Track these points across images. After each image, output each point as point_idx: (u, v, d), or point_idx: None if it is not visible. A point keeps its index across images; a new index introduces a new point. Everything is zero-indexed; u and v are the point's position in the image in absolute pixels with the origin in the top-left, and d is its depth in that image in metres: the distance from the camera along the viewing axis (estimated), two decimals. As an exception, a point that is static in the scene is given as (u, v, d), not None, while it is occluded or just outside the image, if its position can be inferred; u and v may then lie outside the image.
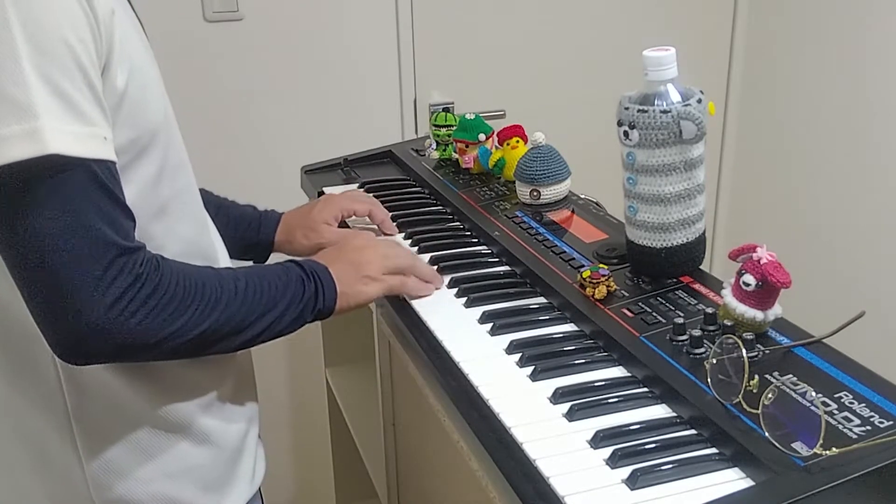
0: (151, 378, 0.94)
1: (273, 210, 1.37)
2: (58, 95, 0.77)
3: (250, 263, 1.31)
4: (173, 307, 0.86)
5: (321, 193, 1.57)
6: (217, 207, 1.29)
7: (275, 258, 1.35)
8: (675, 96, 1.05)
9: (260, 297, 0.96)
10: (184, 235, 0.97)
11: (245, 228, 1.32)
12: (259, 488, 1.10)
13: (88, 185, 0.79)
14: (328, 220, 1.33)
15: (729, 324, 0.94)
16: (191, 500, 0.99)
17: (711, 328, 0.98)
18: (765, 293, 0.95)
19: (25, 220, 0.77)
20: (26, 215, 0.77)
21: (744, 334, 0.92)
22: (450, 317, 1.12)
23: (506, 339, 1.05)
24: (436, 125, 1.59)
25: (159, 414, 0.96)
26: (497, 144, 1.52)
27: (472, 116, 1.51)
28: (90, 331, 0.80)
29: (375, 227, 1.38)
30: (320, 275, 1.03)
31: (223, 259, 1.08)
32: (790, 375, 0.88)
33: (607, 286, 1.08)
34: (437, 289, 1.18)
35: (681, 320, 0.98)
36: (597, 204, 1.40)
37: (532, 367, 0.99)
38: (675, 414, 0.90)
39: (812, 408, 0.81)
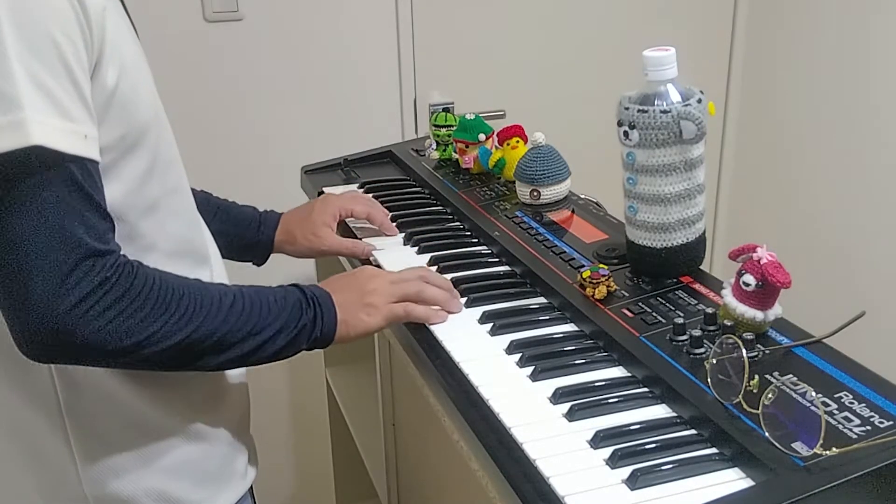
0: (144, 375, 0.94)
1: (273, 210, 1.37)
2: (41, 90, 0.77)
3: (248, 271, 1.32)
4: (144, 313, 0.85)
5: (321, 193, 1.57)
6: (217, 207, 1.29)
7: (274, 259, 1.37)
8: (675, 96, 1.05)
9: (248, 317, 0.93)
10: (175, 233, 0.97)
11: (245, 227, 1.32)
12: (251, 486, 1.10)
13: (65, 185, 0.79)
14: (327, 220, 1.33)
15: (729, 324, 0.94)
16: (184, 496, 0.99)
17: (711, 328, 0.98)
18: (765, 293, 0.95)
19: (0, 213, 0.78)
20: (1, 209, 0.77)
21: (744, 334, 0.92)
22: (450, 317, 1.12)
23: (506, 339, 1.05)
24: (436, 125, 1.59)
25: (152, 410, 0.96)
26: (497, 144, 1.52)
27: (472, 116, 1.51)
28: (51, 330, 0.79)
29: (376, 228, 1.38)
30: (321, 301, 1.01)
31: (215, 260, 1.08)
32: (790, 375, 0.88)
33: (607, 286, 1.08)
34: (451, 312, 1.12)
35: (681, 320, 0.98)
36: (597, 204, 1.40)
37: (532, 368, 0.99)
38: (675, 414, 0.90)
39: (812, 408, 0.81)
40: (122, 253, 0.86)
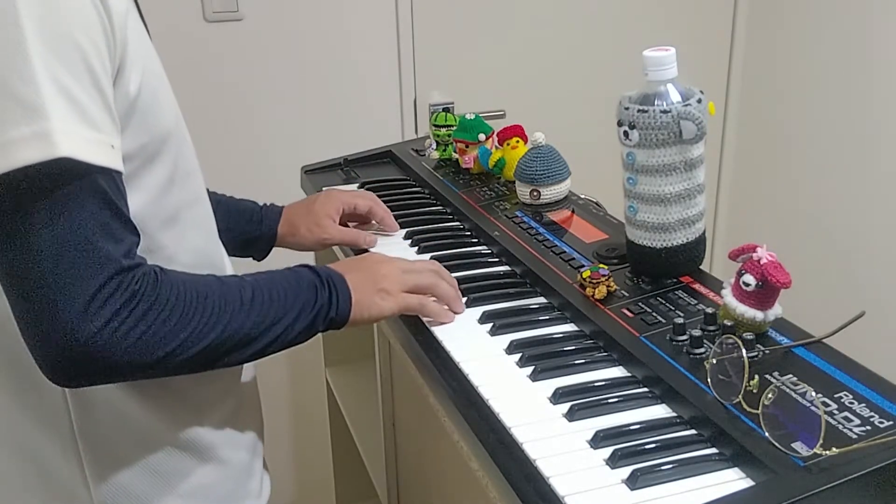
0: (159, 395, 0.92)
1: (273, 204, 1.36)
2: (66, 97, 0.73)
3: (250, 262, 1.31)
4: (173, 323, 0.82)
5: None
6: (216, 203, 1.27)
7: (275, 253, 1.37)
8: (675, 96, 1.05)
9: (269, 307, 0.91)
10: (194, 245, 0.95)
11: (247, 222, 1.31)
12: None
13: (93, 198, 0.76)
14: (331, 213, 1.33)
15: (729, 324, 0.94)
16: None
17: (711, 328, 0.98)
18: (765, 293, 0.95)
19: (25, 230, 0.74)
20: (27, 225, 0.74)
21: (744, 334, 0.92)
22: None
23: (506, 339, 1.05)
24: (436, 125, 1.59)
25: (167, 432, 0.94)
26: (497, 144, 1.52)
27: (472, 116, 1.51)
28: (80, 351, 0.76)
29: (376, 225, 1.38)
30: (335, 282, 0.98)
31: (230, 269, 1.06)
32: (790, 375, 0.88)
33: (607, 286, 1.08)
34: (457, 313, 1.11)
35: (681, 320, 0.98)
36: (597, 204, 1.40)
37: (532, 367, 0.99)
38: (675, 414, 0.90)
39: (812, 408, 0.81)
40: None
